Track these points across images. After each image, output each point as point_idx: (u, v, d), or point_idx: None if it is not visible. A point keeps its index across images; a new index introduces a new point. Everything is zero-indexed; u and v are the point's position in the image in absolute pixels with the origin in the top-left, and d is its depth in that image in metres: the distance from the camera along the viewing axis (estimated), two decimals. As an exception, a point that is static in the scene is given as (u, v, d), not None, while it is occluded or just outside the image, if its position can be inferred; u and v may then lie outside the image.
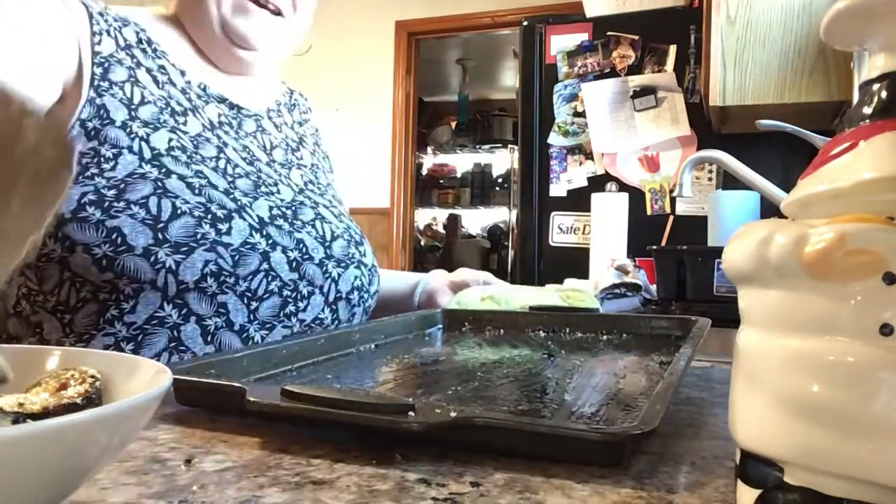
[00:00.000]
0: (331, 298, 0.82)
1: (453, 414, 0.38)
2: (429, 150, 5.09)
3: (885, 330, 0.21)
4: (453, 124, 5.18)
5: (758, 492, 0.24)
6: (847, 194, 0.23)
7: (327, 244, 0.83)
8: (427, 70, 4.60)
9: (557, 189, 2.30)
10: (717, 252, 1.38)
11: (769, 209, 1.49)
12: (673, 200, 2.15)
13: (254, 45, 0.85)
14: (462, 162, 5.23)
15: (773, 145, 1.91)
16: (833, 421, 0.22)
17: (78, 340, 0.70)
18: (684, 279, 1.42)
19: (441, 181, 5.24)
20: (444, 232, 5.23)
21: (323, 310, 0.81)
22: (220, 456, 0.37)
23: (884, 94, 0.24)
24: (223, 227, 0.72)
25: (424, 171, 5.22)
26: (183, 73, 0.82)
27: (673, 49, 2.16)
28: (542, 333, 0.79)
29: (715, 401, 0.57)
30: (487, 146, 4.99)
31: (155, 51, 0.81)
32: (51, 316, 0.71)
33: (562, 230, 2.29)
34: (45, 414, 0.29)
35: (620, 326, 0.79)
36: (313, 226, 0.83)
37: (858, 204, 0.23)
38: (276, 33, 0.87)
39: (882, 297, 0.21)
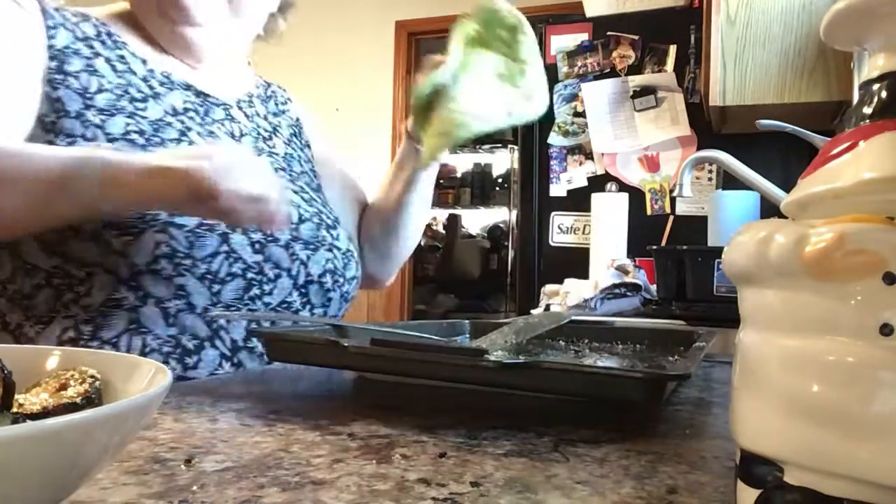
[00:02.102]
0: (300, 281, 0.81)
1: (522, 358, 0.44)
2: (429, 150, 5.08)
3: (885, 330, 0.21)
4: (453, 124, 5.17)
5: (758, 492, 0.24)
6: (847, 194, 0.23)
7: (294, 227, 0.82)
8: (427, 70, 4.59)
9: (557, 189, 2.30)
10: (717, 252, 1.38)
11: (769, 209, 1.49)
12: (673, 200, 2.15)
13: (195, 18, 0.81)
14: (462, 162, 5.22)
15: (773, 145, 1.91)
16: (833, 421, 0.22)
17: (38, 323, 0.71)
18: (684, 279, 1.43)
19: (441, 181, 5.23)
20: (444, 232, 5.23)
21: (290, 293, 0.80)
22: (220, 456, 0.37)
23: (884, 94, 0.24)
24: None
25: (424, 171, 5.21)
26: (144, 62, 0.81)
27: (673, 49, 2.16)
28: (562, 343, 0.80)
29: (715, 401, 0.57)
30: (487, 146, 4.98)
31: (115, 42, 0.80)
32: (10, 303, 0.72)
33: (562, 230, 2.29)
34: (44, 414, 0.29)
35: (626, 335, 0.80)
36: None
37: (858, 204, 0.23)
38: (217, 6, 0.83)
39: (882, 297, 0.21)
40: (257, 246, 0.77)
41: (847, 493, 0.22)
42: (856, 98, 0.27)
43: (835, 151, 0.25)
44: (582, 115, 2.27)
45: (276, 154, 0.91)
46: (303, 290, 0.81)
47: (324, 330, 0.64)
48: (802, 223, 0.24)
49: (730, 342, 0.28)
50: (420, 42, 4.27)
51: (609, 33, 2.24)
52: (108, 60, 0.78)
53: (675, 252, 1.47)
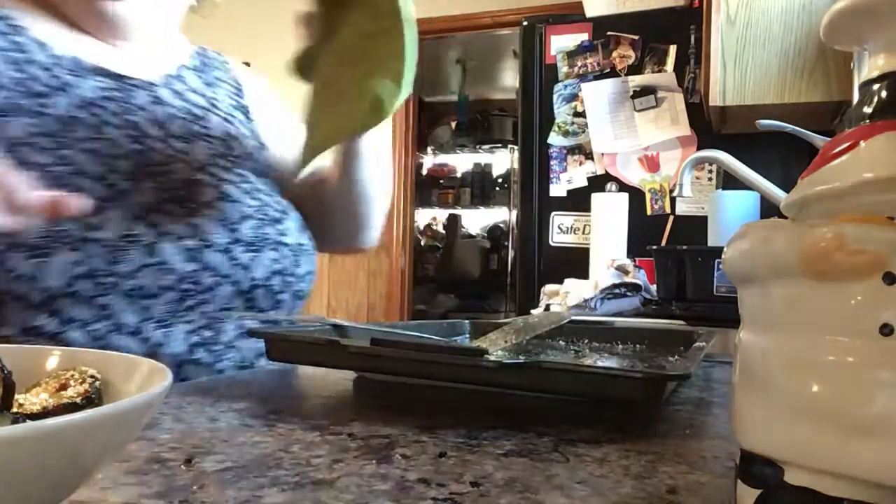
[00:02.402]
0: (244, 287, 0.73)
1: (522, 358, 0.45)
2: (429, 150, 5.09)
3: (885, 330, 0.21)
4: (453, 124, 5.18)
5: (758, 492, 0.24)
6: (847, 194, 0.23)
7: (233, 226, 0.73)
8: (427, 70, 4.60)
9: (557, 189, 2.30)
10: (717, 252, 1.38)
11: (769, 209, 1.50)
12: (673, 200, 2.15)
13: None
14: (462, 162, 5.22)
15: (773, 145, 1.91)
16: (833, 421, 0.22)
17: None
18: (684, 279, 1.43)
19: (441, 181, 5.24)
20: (444, 232, 5.23)
21: (232, 300, 0.72)
22: (220, 456, 0.37)
23: (884, 94, 0.24)
24: (94, 220, 0.63)
25: (424, 171, 5.22)
26: (48, 48, 0.71)
27: (673, 49, 2.16)
28: (561, 343, 0.80)
29: (715, 401, 0.57)
30: (487, 146, 4.99)
31: (12, 27, 0.71)
32: None
33: (562, 230, 2.29)
34: (44, 414, 0.29)
35: (627, 336, 0.80)
36: (214, 207, 0.72)
37: (858, 204, 0.23)
38: None
39: (882, 297, 0.21)
40: (191, 254, 0.69)
41: (847, 493, 0.22)
42: (856, 98, 0.27)
43: (835, 151, 0.25)
44: (582, 115, 2.27)
45: (212, 136, 0.79)
46: (248, 296, 0.74)
47: (324, 330, 0.64)
48: (802, 223, 0.24)
49: (730, 342, 0.28)
50: (419, 42, 4.27)
51: (609, 33, 2.24)
52: (2, 51, 0.68)
53: (675, 252, 1.47)
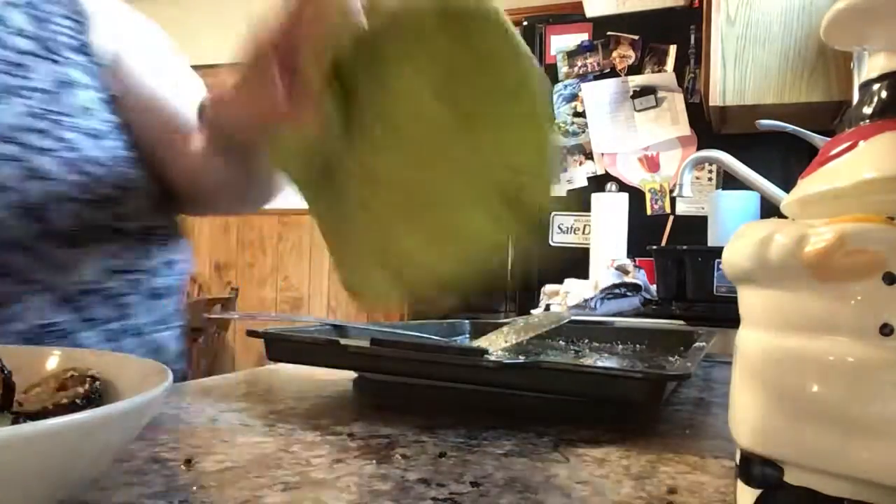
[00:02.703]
0: (67, 294, 0.58)
1: (522, 358, 0.45)
2: (429, 150, 5.09)
3: (885, 330, 0.21)
4: (453, 124, 5.18)
5: (758, 492, 0.24)
6: (847, 194, 0.23)
7: (44, 213, 0.56)
8: (427, 70, 4.59)
9: (557, 189, 2.31)
10: (717, 252, 1.38)
11: (769, 209, 1.49)
12: (673, 200, 2.15)
13: None
14: (462, 162, 5.23)
15: (773, 145, 1.91)
16: (833, 421, 0.22)
17: None
18: (684, 279, 1.43)
19: (441, 181, 5.24)
20: (444, 232, 5.23)
21: (51, 312, 0.57)
22: (220, 456, 0.37)
23: (884, 94, 0.24)
24: None
25: (424, 171, 5.22)
26: None
27: (673, 49, 2.16)
28: (561, 343, 0.80)
29: (715, 401, 0.57)
30: (487, 146, 4.99)
31: None
32: None
33: (562, 230, 2.29)
34: (44, 414, 0.29)
35: (629, 336, 0.80)
36: (14, 189, 0.55)
37: (858, 204, 0.23)
38: None
39: (882, 297, 0.21)
40: None
41: (847, 493, 0.22)
42: (856, 98, 0.27)
43: (835, 151, 0.25)
44: (582, 115, 2.27)
45: (33, 89, 0.60)
46: (76, 304, 0.59)
47: (324, 330, 0.64)
48: (802, 223, 0.24)
49: (730, 342, 0.28)
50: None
51: (609, 33, 2.25)
52: None
53: (675, 252, 1.47)
